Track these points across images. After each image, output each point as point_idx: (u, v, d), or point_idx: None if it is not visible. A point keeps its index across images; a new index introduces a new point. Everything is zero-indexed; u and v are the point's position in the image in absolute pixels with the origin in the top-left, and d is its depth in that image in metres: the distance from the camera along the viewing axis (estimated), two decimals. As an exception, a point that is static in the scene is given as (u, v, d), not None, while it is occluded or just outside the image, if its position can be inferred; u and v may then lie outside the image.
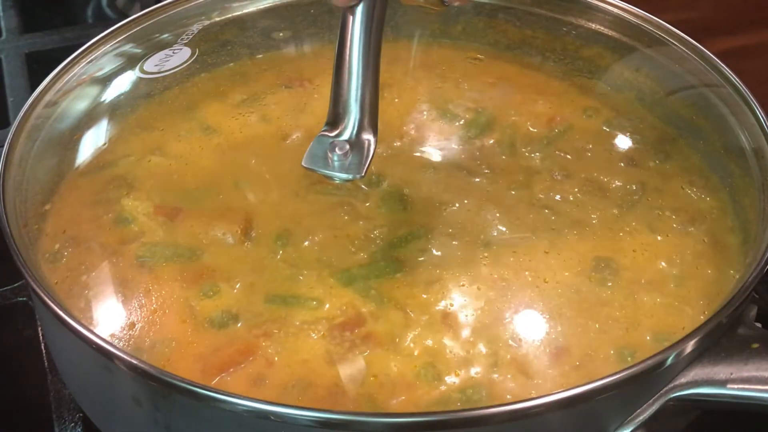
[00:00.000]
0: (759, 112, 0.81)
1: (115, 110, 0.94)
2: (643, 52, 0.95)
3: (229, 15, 1.00)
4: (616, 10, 0.96)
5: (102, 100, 0.91)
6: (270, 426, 0.58)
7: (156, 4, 1.32)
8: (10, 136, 0.78)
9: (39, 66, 1.29)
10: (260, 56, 1.04)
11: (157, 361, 0.71)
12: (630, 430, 0.63)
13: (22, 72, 1.27)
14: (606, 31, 0.97)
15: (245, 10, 1.01)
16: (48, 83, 0.86)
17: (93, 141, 0.91)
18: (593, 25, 0.98)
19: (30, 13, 1.42)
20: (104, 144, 0.92)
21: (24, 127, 0.80)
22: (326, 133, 0.75)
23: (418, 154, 0.91)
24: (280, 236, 0.81)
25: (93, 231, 0.82)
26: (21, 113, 0.81)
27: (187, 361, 0.72)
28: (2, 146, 0.94)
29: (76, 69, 0.88)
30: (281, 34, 1.04)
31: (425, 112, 0.96)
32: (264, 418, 0.58)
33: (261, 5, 1.02)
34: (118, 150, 0.91)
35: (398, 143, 0.91)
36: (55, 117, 0.85)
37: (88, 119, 0.90)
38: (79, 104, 0.88)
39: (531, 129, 0.93)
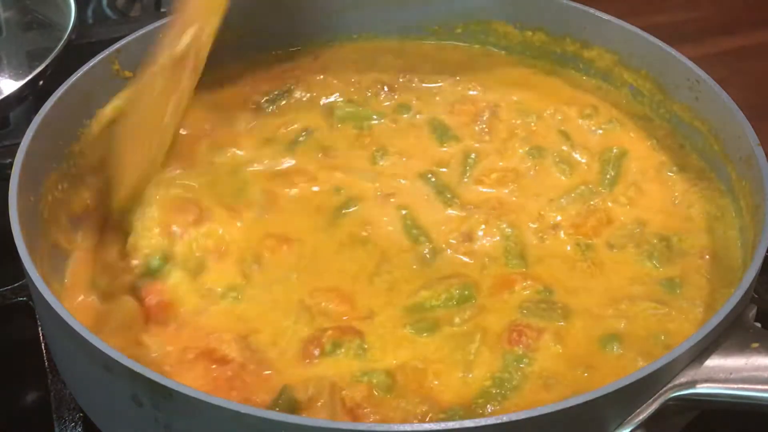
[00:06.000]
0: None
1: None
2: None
3: None
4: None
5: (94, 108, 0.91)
6: (270, 426, 0.59)
7: (157, 5, 1.33)
8: (22, 152, 0.78)
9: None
10: None
11: (159, 362, 0.72)
12: (630, 429, 0.63)
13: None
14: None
15: None
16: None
17: (93, 143, 0.92)
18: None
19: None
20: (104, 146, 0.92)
21: (32, 138, 0.79)
22: None
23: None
24: None
25: (95, 234, 0.83)
26: (32, 125, 0.80)
27: (189, 362, 0.72)
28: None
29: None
30: None
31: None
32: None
33: None
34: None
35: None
36: (55, 125, 0.85)
37: (86, 123, 0.90)
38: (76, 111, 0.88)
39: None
